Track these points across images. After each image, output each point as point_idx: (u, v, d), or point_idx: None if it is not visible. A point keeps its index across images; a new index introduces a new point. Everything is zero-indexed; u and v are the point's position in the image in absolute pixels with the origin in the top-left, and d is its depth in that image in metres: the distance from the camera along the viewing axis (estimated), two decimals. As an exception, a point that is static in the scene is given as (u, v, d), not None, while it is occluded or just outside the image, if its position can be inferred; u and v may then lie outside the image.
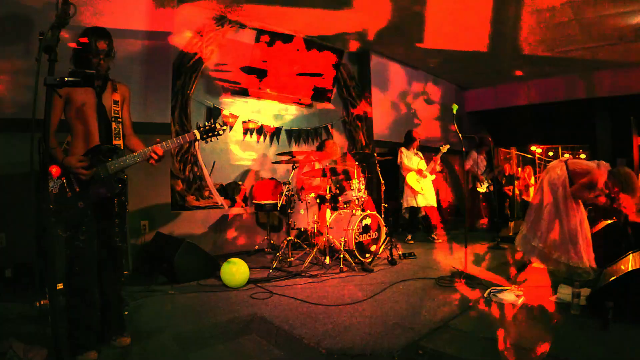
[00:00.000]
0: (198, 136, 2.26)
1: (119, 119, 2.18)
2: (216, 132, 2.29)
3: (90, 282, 2.07)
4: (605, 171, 3.31)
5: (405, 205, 5.41)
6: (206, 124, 2.29)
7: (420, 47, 6.19)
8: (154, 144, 2.15)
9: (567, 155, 3.75)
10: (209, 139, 2.29)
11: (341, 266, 3.84)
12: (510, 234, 5.68)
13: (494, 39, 5.70)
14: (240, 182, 5.10)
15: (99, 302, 2.15)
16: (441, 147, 5.42)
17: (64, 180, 2.02)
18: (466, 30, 5.42)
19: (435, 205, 5.43)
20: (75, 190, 2.03)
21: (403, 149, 5.49)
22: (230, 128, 5.08)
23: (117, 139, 2.16)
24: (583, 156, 13.28)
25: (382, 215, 4.44)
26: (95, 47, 2.06)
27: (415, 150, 5.52)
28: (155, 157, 2.15)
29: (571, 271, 3.32)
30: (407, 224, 5.56)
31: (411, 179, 5.32)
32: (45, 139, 1.39)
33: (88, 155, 2.07)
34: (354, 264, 3.89)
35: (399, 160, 5.43)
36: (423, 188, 5.31)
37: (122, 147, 2.18)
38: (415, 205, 5.33)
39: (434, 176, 5.46)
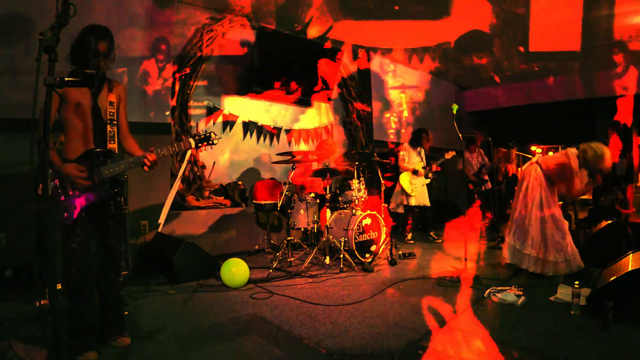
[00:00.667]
0: (193, 144, 2.27)
1: (114, 121, 2.15)
2: (211, 142, 2.31)
3: (87, 283, 2.06)
4: (574, 155, 3.35)
5: (397, 201, 5.42)
6: (201, 133, 2.30)
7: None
8: (148, 152, 2.13)
9: (537, 156, 3.77)
10: (203, 148, 2.31)
11: (341, 266, 3.84)
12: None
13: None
14: (240, 182, 5.10)
15: (99, 303, 2.15)
16: (446, 154, 5.40)
17: (57, 183, 2.00)
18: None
19: (428, 204, 5.43)
20: (68, 194, 2.01)
21: (406, 146, 5.48)
22: (231, 128, 5.08)
23: (112, 142, 2.13)
24: (583, 156, 13.28)
25: (382, 215, 4.44)
26: (95, 48, 2.03)
27: (419, 149, 5.51)
28: (148, 163, 2.13)
29: (570, 266, 3.33)
30: (402, 221, 5.56)
31: (404, 180, 5.33)
32: (45, 139, 1.39)
33: (82, 159, 2.04)
34: (354, 264, 3.89)
35: (400, 157, 5.43)
36: (414, 190, 5.32)
37: (116, 151, 2.16)
38: (406, 204, 5.35)
39: (428, 180, 5.45)
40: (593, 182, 3.36)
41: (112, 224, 2.18)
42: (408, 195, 5.31)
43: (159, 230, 3.65)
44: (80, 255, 2.02)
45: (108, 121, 2.13)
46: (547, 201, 3.45)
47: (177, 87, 4.44)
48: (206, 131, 2.32)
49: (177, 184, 3.70)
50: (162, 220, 3.48)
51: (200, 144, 2.28)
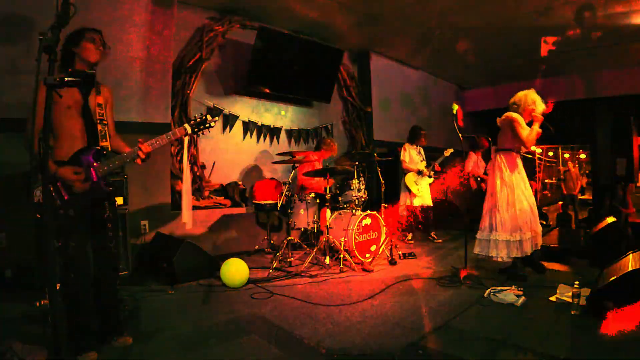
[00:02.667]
0: (189, 130, 2.18)
1: (104, 121, 2.15)
2: (207, 125, 2.21)
3: (85, 285, 2.05)
4: (510, 113, 3.56)
5: (401, 203, 5.42)
6: (196, 116, 2.23)
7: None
8: (142, 144, 2.11)
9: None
10: (200, 132, 2.22)
11: (341, 266, 3.84)
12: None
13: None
14: (240, 182, 5.10)
15: (98, 303, 2.15)
16: (445, 151, 5.40)
17: (51, 188, 1.97)
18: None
19: (431, 204, 5.42)
20: (63, 198, 1.99)
21: (407, 145, 5.47)
22: (231, 128, 5.08)
23: (104, 140, 2.13)
24: (583, 156, 13.31)
25: (382, 215, 4.44)
26: (93, 37, 2.06)
27: (419, 148, 5.50)
28: (143, 156, 2.11)
29: (536, 242, 3.40)
30: (406, 223, 5.56)
31: (410, 180, 5.32)
32: (45, 139, 1.39)
33: (75, 160, 2.02)
34: (354, 264, 3.89)
35: (401, 157, 5.41)
36: (420, 190, 5.30)
37: (109, 149, 2.15)
38: (410, 204, 5.34)
39: (432, 179, 5.45)
40: (539, 123, 3.49)
41: (110, 227, 2.17)
42: (413, 196, 5.30)
43: (188, 227, 3.39)
44: (78, 259, 2.01)
45: (98, 121, 2.13)
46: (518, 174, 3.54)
47: (177, 87, 4.45)
48: (202, 114, 2.25)
49: (187, 175, 3.40)
50: (186, 219, 3.26)
51: (196, 129, 2.20)
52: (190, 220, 3.24)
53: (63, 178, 1.98)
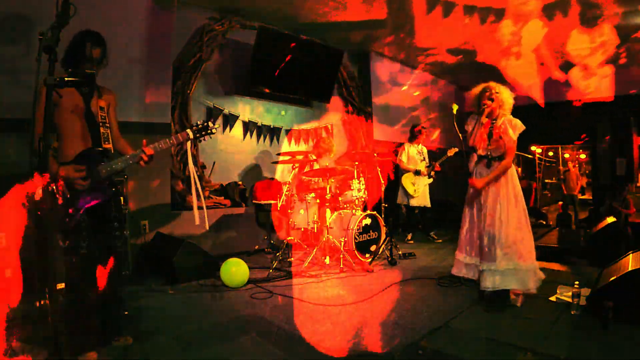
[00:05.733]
0: (191, 135, 2.23)
1: (106, 124, 2.17)
2: (209, 131, 2.27)
3: (90, 284, 2.06)
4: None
5: (399, 201, 5.43)
6: (199, 122, 2.26)
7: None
8: (145, 147, 2.13)
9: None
10: (202, 138, 2.27)
11: (341, 266, 3.84)
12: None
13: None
14: (240, 182, 5.10)
15: (99, 303, 2.15)
16: (448, 151, 5.38)
17: (54, 188, 1.95)
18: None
19: (429, 206, 5.42)
20: (66, 197, 1.99)
21: (406, 145, 5.48)
22: (231, 128, 5.08)
23: (107, 142, 2.15)
24: (583, 156, 13.30)
25: (382, 215, 4.44)
26: (89, 54, 2.06)
27: (419, 147, 5.50)
28: (146, 158, 2.13)
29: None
30: (404, 222, 5.56)
31: (406, 181, 5.32)
32: (45, 138, 1.39)
33: (79, 160, 2.03)
34: (354, 264, 3.89)
35: (398, 157, 5.41)
36: (417, 190, 5.31)
37: (112, 151, 2.17)
38: (408, 204, 5.35)
39: (431, 180, 5.45)
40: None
41: (117, 227, 2.18)
42: (410, 196, 5.30)
43: (198, 223, 3.34)
44: (84, 259, 2.02)
45: (101, 123, 2.15)
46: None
47: (177, 87, 4.44)
48: (204, 121, 2.28)
49: (193, 174, 3.33)
50: (199, 221, 3.21)
51: (198, 135, 2.25)
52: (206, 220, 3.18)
53: (64, 177, 1.98)
